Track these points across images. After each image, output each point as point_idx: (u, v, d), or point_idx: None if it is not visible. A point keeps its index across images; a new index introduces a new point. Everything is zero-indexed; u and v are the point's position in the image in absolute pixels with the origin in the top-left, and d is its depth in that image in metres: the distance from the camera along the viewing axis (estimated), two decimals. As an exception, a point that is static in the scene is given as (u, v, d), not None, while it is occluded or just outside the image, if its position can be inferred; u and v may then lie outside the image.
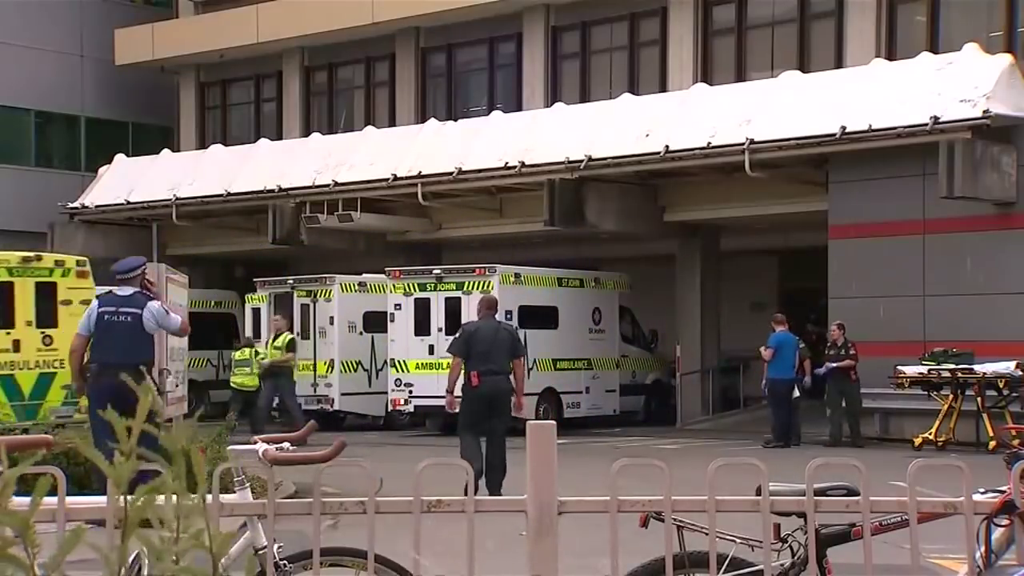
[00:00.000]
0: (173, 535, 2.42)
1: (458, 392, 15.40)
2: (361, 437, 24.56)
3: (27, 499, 2.60)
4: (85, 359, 12.36)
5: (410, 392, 26.37)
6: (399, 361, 26.75)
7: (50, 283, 20.46)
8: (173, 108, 40.08)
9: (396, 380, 26.76)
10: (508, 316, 26.26)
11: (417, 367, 26.30)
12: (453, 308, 26.11)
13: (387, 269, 27.27)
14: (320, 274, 28.95)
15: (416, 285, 26.57)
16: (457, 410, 15.64)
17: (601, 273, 29.26)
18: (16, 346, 20.08)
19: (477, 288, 26.06)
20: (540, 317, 27.15)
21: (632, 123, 26.98)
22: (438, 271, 26.87)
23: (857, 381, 23.47)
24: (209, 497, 2.67)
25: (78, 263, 21.08)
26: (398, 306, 26.73)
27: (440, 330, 26.15)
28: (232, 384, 26.47)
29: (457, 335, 16.09)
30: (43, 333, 20.25)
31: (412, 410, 26.54)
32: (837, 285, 24.86)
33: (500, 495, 13.67)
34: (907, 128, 23.21)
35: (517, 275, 26.86)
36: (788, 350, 23.88)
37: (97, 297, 13.81)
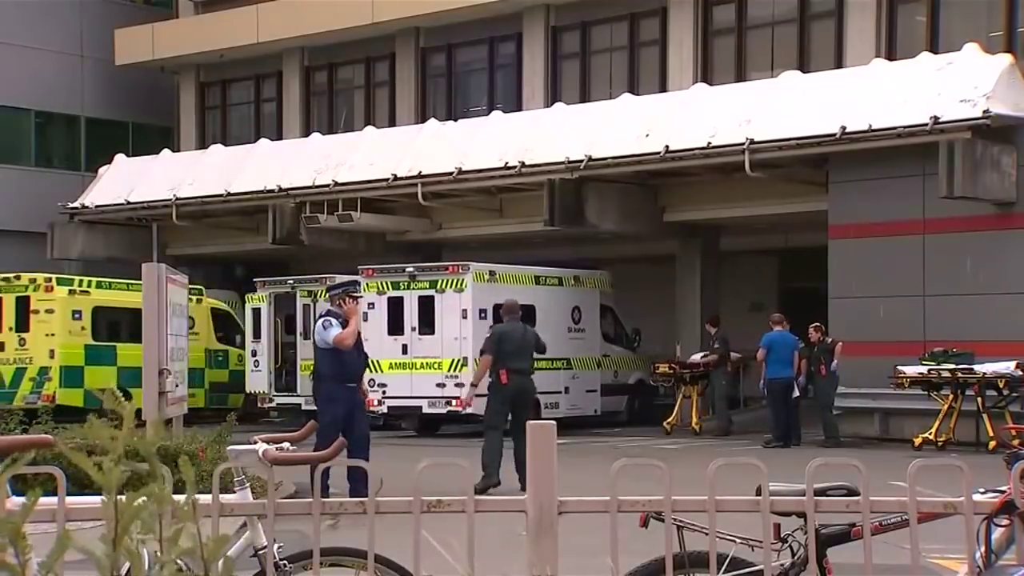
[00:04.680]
0: (159, 539, 2.41)
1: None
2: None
3: (23, 499, 2.59)
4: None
5: (383, 392, 25.99)
6: (372, 361, 26.51)
7: (26, 297, 26.90)
8: (173, 108, 40.09)
9: (369, 380, 26.53)
10: (482, 315, 25.91)
11: (391, 367, 25.96)
12: (426, 307, 25.81)
13: (360, 267, 26.94)
14: (320, 274, 28.92)
15: (389, 284, 26.15)
16: (469, 408, 17.35)
17: (582, 272, 28.86)
18: (2, 347, 26.74)
19: (450, 287, 25.82)
20: None
21: (632, 123, 26.97)
22: (411, 269, 26.46)
23: (829, 377, 23.54)
24: (203, 499, 2.66)
25: (45, 279, 27.27)
26: (371, 305, 26.24)
27: (413, 329, 25.86)
28: None
29: (488, 336, 17.32)
30: (19, 336, 26.75)
31: (386, 410, 26.21)
32: (837, 285, 24.85)
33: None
34: (907, 128, 23.21)
35: (492, 273, 26.53)
36: (786, 350, 23.89)
37: None
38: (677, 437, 25.58)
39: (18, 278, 27.39)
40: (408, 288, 26.00)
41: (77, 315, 27.32)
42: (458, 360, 25.70)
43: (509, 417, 16.28)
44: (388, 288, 26.17)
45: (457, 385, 25.63)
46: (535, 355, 17.20)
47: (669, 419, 26.56)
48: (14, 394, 25.97)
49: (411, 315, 25.92)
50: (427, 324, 25.74)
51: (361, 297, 14.92)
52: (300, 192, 31.34)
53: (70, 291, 27.45)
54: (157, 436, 11.83)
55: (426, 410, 25.64)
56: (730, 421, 26.58)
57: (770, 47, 29.66)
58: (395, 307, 26.05)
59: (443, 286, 25.84)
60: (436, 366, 25.63)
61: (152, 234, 35.08)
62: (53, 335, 26.83)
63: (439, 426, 26.96)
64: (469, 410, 25.69)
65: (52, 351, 26.75)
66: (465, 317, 25.61)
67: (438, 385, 25.51)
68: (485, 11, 32.64)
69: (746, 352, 27.06)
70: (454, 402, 25.68)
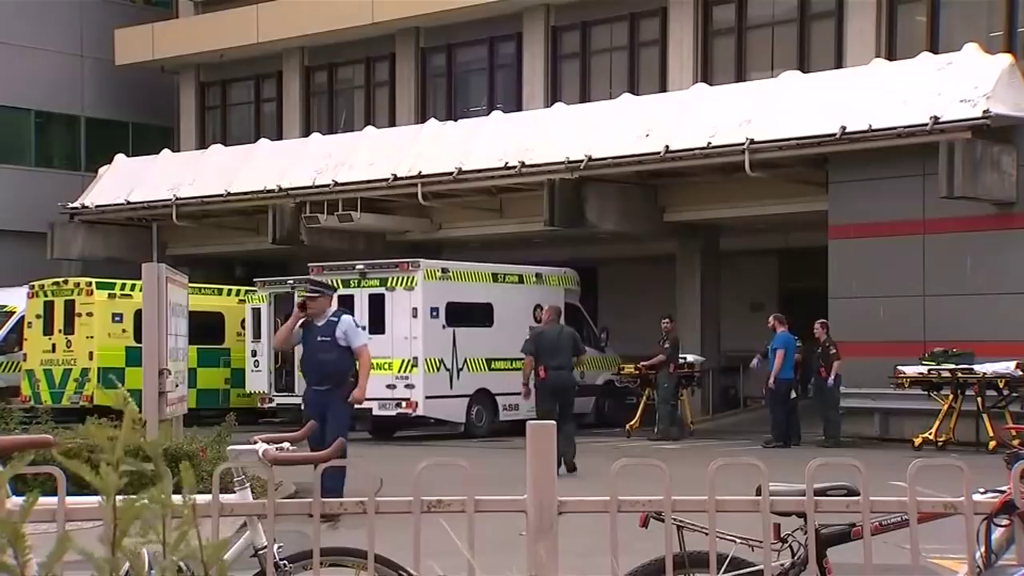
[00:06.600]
0: (161, 543, 2.39)
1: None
2: (357, 436, 24.52)
3: (23, 499, 2.58)
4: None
5: None
6: None
7: (72, 300, 27.86)
8: (173, 108, 40.09)
9: None
10: (434, 313, 25.32)
11: None
12: (377, 305, 25.34)
13: (309, 265, 26.53)
14: (320, 274, 28.88)
15: (339, 281, 25.00)
16: (531, 400, 18.88)
17: (544, 269, 28.30)
18: (53, 348, 27.78)
19: (401, 284, 25.38)
20: (472, 314, 26.13)
21: (632, 123, 26.97)
22: (361, 266, 25.96)
23: (832, 379, 23.53)
24: (203, 499, 2.64)
25: (86, 283, 28.20)
26: None
27: (363, 328, 25.39)
28: None
29: (527, 338, 19.27)
30: (66, 339, 27.66)
31: None
32: (837, 285, 24.86)
33: (576, 470, 17.07)
34: (907, 128, 23.22)
35: (444, 270, 26.09)
36: (787, 351, 23.89)
37: None
38: (676, 437, 25.53)
39: (66, 282, 28.62)
40: (358, 286, 25.49)
41: (118, 318, 27.97)
42: (408, 360, 25.17)
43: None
44: (338, 286, 25.68)
45: (407, 387, 25.09)
46: (573, 357, 18.86)
47: (631, 421, 26.21)
48: (62, 394, 27.38)
49: (361, 314, 25.05)
50: (377, 323, 24.97)
51: (310, 295, 13.81)
52: (300, 192, 31.35)
53: (110, 295, 28.10)
54: (164, 437, 11.80)
55: (376, 412, 24.80)
56: (672, 424, 25.34)
57: (770, 47, 29.66)
58: (345, 305, 25.51)
59: (393, 284, 25.39)
60: (386, 367, 24.50)
61: (152, 234, 35.10)
62: (92, 337, 27.74)
63: (394, 429, 26.23)
64: (419, 412, 25.31)
65: (91, 353, 27.65)
66: (416, 316, 25.14)
67: (388, 387, 24.77)
68: (485, 11, 32.65)
69: (745, 352, 27.06)
70: (404, 404, 25.22)
